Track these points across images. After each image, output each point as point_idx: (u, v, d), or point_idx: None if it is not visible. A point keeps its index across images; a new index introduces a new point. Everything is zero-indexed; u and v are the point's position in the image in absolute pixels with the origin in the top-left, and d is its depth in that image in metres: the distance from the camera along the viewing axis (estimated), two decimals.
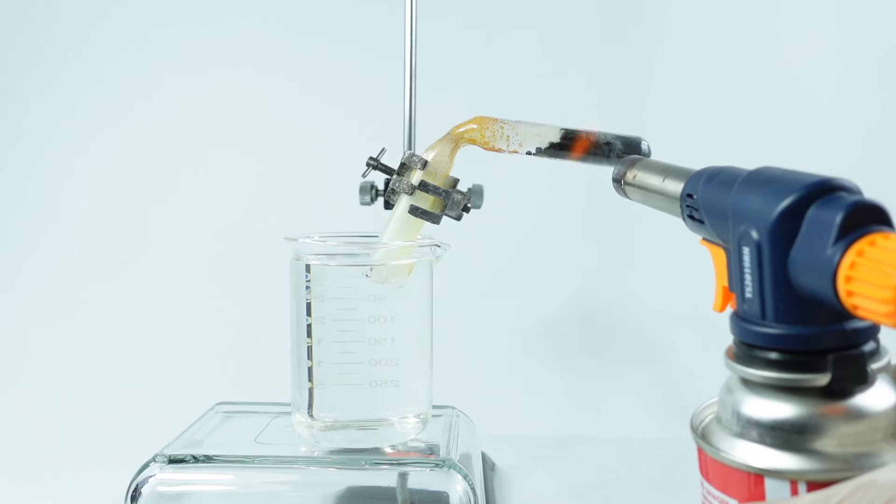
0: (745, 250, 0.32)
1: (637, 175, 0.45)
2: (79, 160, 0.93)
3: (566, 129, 0.51)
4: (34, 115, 0.94)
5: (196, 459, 0.50)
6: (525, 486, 0.64)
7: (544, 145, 0.51)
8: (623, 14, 0.90)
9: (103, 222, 0.92)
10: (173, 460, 0.50)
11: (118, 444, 0.67)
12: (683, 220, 0.39)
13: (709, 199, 0.36)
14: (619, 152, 0.50)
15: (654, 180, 0.43)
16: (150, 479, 0.50)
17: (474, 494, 0.49)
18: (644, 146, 0.51)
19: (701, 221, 0.37)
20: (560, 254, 0.89)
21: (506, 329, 0.86)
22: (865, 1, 0.88)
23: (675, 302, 0.85)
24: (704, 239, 0.38)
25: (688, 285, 0.85)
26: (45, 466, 0.66)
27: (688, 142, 0.80)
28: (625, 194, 0.47)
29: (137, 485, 0.50)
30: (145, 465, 0.50)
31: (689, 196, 0.38)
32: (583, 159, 0.51)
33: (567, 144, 0.51)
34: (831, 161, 0.76)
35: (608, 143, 0.50)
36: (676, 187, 0.40)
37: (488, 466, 0.64)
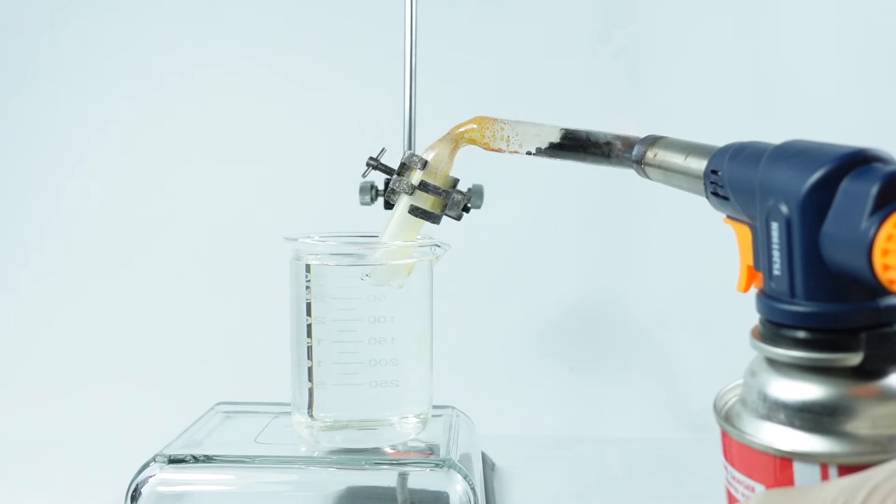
0: (774, 225, 0.30)
1: (658, 154, 0.43)
2: (78, 160, 0.93)
3: (566, 129, 0.51)
4: (33, 115, 0.94)
5: (196, 459, 0.50)
6: (525, 486, 0.63)
7: (544, 145, 0.51)
8: (623, 14, 0.90)
9: (103, 222, 0.92)
10: (173, 460, 0.50)
11: (118, 444, 0.67)
12: (707, 197, 0.38)
13: (735, 174, 0.35)
14: (619, 152, 0.50)
15: (676, 158, 0.41)
16: (150, 479, 0.50)
17: (474, 494, 0.49)
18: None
19: (726, 198, 0.36)
20: (560, 254, 0.89)
21: (506, 329, 0.86)
22: (866, 1, 0.88)
23: (676, 302, 0.85)
24: (728, 217, 0.36)
25: (688, 285, 0.86)
26: (45, 466, 0.66)
27: (688, 139, 0.79)
28: (645, 175, 0.45)
29: (137, 485, 0.50)
30: (145, 465, 0.50)
31: (714, 172, 0.37)
32: (583, 159, 0.51)
33: (567, 144, 0.51)
34: None
35: (608, 143, 0.50)
36: (699, 164, 0.38)
37: (488, 466, 0.64)
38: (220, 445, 0.54)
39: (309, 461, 0.51)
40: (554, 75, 0.90)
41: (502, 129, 0.51)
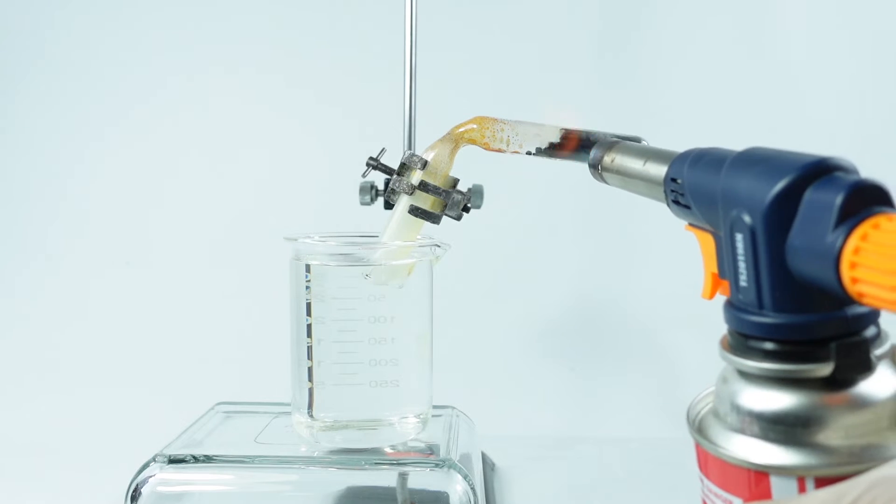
0: (739, 236, 0.30)
1: (615, 159, 0.43)
2: (79, 161, 0.94)
3: (566, 129, 0.51)
4: (35, 116, 0.94)
5: (196, 459, 0.50)
6: (525, 486, 0.63)
7: (544, 145, 0.51)
8: (623, 14, 0.90)
9: (103, 223, 0.92)
10: (173, 460, 0.50)
11: (118, 444, 0.67)
12: (668, 205, 0.37)
13: (695, 182, 0.34)
14: (568, 148, 0.50)
15: (635, 164, 0.41)
16: (150, 479, 0.50)
17: (474, 494, 0.49)
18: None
19: (687, 206, 0.35)
20: (560, 254, 0.89)
21: (506, 329, 0.86)
22: (867, 0, 0.88)
23: (675, 302, 0.85)
24: (690, 224, 0.36)
25: (688, 285, 0.85)
26: (45, 466, 0.66)
27: (688, 142, 0.79)
28: (602, 179, 0.45)
29: (137, 485, 0.50)
30: (145, 465, 0.50)
31: (674, 181, 0.36)
32: (583, 159, 0.51)
33: (567, 144, 0.51)
34: None
35: (634, 143, 0.50)
36: (659, 171, 0.38)
37: (488, 466, 0.64)
38: (220, 445, 0.54)
39: (309, 461, 0.51)
40: (554, 75, 0.90)
41: (502, 129, 0.51)
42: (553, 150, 0.51)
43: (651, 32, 0.89)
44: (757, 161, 0.30)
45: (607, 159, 0.44)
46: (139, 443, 0.55)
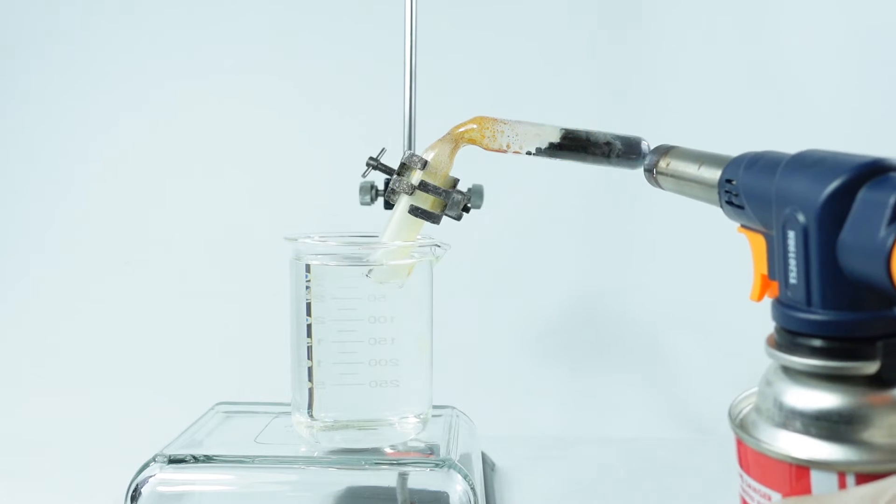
0: (791, 234, 0.31)
1: (671, 163, 0.43)
2: (79, 162, 0.94)
3: (566, 129, 0.51)
4: (34, 117, 0.94)
5: (196, 459, 0.50)
6: (525, 486, 0.63)
7: (544, 145, 0.51)
8: (623, 14, 0.90)
9: (103, 223, 0.92)
10: (173, 460, 0.50)
11: (118, 444, 0.67)
12: (721, 206, 0.38)
13: (750, 183, 0.35)
14: (619, 152, 0.50)
15: (690, 168, 0.41)
16: (150, 479, 0.50)
17: (474, 494, 0.49)
18: (644, 146, 0.51)
19: (741, 207, 0.36)
20: (560, 254, 0.89)
21: (506, 329, 0.86)
22: (866, 1, 0.88)
23: (675, 302, 0.85)
24: (742, 226, 0.36)
25: (688, 285, 0.86)
26: (45, 466, 0.66)
27: (688, 142, 0.80)
28: (657, 184, 0.45)
29: (137, 485, 0.50)
30: (145, 465, 0.50)
31: (729, 182, 0.37)
32: (583, 159, 0.51)
33: (567, 144, 0.51)
34: None
35: (608, 143, 0.50)
36: (713, 174, 0.38)
37: (488, 466, 0.64)
38: (220, 445, 0.54)
39: (309, 461, 0.51)
40: (554, 75, 0.90)
41: (502, 129, 0.51)
42: (553, 150, 0.51)
43: (650, 32, 0.89)
44: (812, 162, 0.31)
45: (662, 164, 0.44)
46: (139, 443, 0.55)
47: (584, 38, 0.90)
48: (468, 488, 0.49)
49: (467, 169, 0.53)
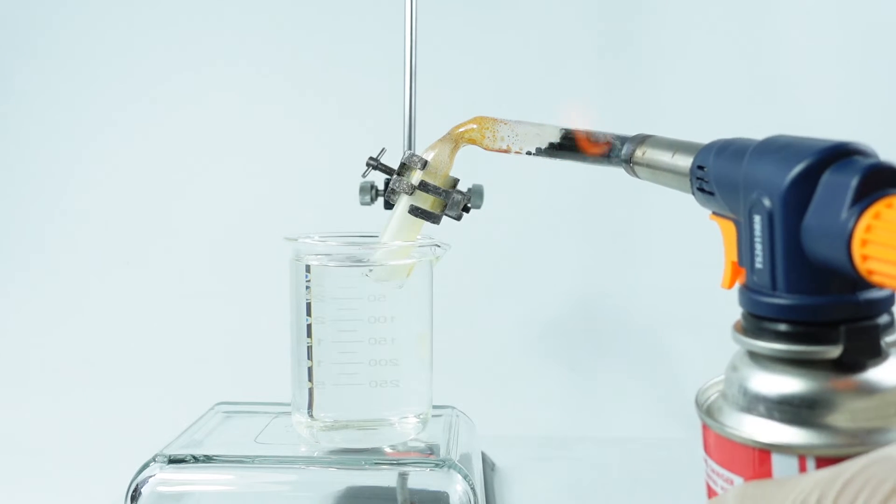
0: (756, 218, 0.31)
1: (647, 152, 0.44)
2: (78, 160, 0.94)
3: (566, 129, 0.50)
4: (34, 116, 0.94)
5: (196, 459, 0.50)
6: (525, 486, 0.63)
7: (544, 145, 0.51)
8: (623, 14, 0.90)
9: (103, 222, 0.92)
10: (173, 460, 0.50)
11: (118, 444, 0.67)
12: (693, 193, 0.38)
13: (720, 169, 0.35)
14: (619, 152, 0.50)
15: (664, 156, 0.41)
16: (150, 479, 0.50)
17: (474, 494, 0.49)
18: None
19: (711, 193, 0.36)
20: (560, 253, 0.89)
21: (506, 329, 0.86)
22: (866, 1, 0.88)
23: (676, 301, 0.85)
24: (714, 213, 0.37)
25: (689, 285, 0.86)
26: (45, 466, 0.66)
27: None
28: (634, 174, 0.45)
29: (137, 485, 0.50)
30: (145, 465, 0.50)
31: (700, 168, 0.37)
32: (582, 159, 0.51)
33: (567, 144, 0.51)
34: None
35: (608, 143, 0.50)
36: (686, 161, 0.38)
37: (488, 466, 0.64)
38: (220, 445, 0.54)
39: (309, 461, 0.51)
40: (554, 75, 0.90)
41: (502, 129, 0.51)
42: (553, 150, 0.51)
43: (651, 31, 0.89)
44: (778, 147, 0.31)
45: (639, 153, 0.44)
46: (139, 443, 0.55)
47: (585, 37, 0.90)
48: (468, 488, 0.49)
49: (467, 169, 0.53)
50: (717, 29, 0.89)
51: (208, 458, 0.51)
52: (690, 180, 0.38)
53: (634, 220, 0.88)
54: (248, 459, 0.51)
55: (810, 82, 0.88)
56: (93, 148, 0.93)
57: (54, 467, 0.66)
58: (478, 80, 0.90)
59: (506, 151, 0.51)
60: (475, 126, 0.51)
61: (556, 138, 0.51)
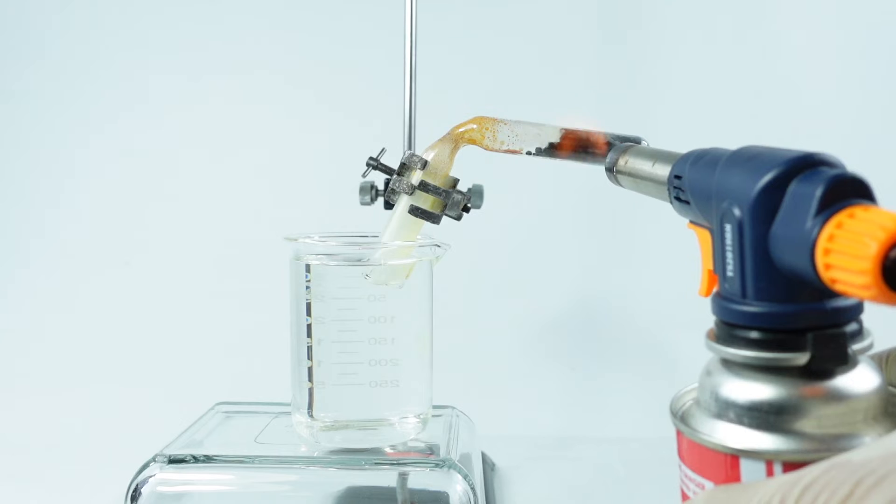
0: (727, 227, 0.31)
1: (628, 161, 0.45)
2: (78, 159, 0.94)
3: (566, 129, 0.51)
4: (33, 114, 0.94)
5: (196, 459, 0.50)
6: (525, 486, 0.63)
7: (544, 145, 0.51)
8: (623, 14, 0.90)
9: (102, 221, 0.92)
10: (173, 460, 0.50)
11: (118, 444, 0.67)
12: (671, 202, 0.39)
13: (695, 178, 0.36)
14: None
15: (644, 165, 0.42)
16: (150, 479, 0.50)
17: (474, 494, 0.49)
18: (644, 146, 0.51)
19: (687, 202, 0.37)
20: (560, 254, 0.89)
21: (506, 329, 0.86)
22: (865, 2, 0.88)
23: (676, 302, 0.85)
24: (691, 222, 0.37)
25: (689, 285, 0.85)
26: (45, 466, 0.66)
27: (688, 142, 0.79)
28: (617, 182, 0.47)
29: (137, 485, 0.50)
30: (145, 465, 0.50)
31: (677, 178, 0.38)
32: (581, 159, 0.51)
33: (567, 145, 0.51)
34: None
35: (608, 143, 0.50)
36: (665, 171, 0.39)
37: (488, 466, 0.64)
38: (220, 445, 0.54)
39: (309, 461, 0.51)
40: (554, 75, 0.90)
41: (502, 129, 0.51)
42: (553, 150, 0.51)
43: (650, 32, 0.89)
44: (749, 157, 0.32)
45: (621, 162, 0.45)
46: (139, 443, 0.55)
47: (585, 38, 0.90)
48: (468, 488, 0.49)
49: (467, 169, 0.53)
50: (718, 29, 0.89)
51: (208, 458, 0.51)
52: (668, 189, 0.39)
53: (635, 220, 0.88)
54: (248, 459, 0.51)
55: (810, 82, 0.88)
56: (93, 148, 0.93)
57: (54, 467, 0.66)
58: (478, 80, 0.90)
59: (506, 152, 0.51)
60: (475, 126, 0.51)
61: (556, 138, 0.51)
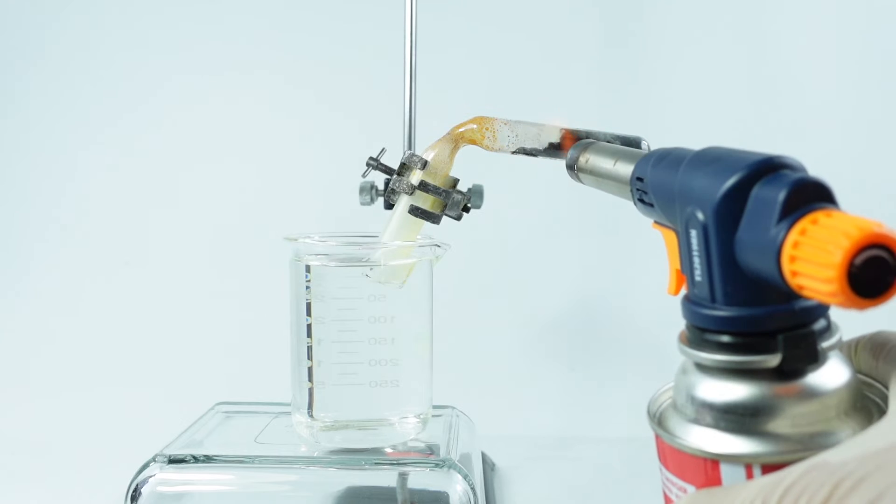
0: (693, 232, 0.31)
1: (589, 159, 0.44)
2: (79, 160, 0.94)
3: (566, 129, 0.51)
4: (34, 116, 0.94)
5: (196, 459, 0.50)
6: (525, 486, 0.63)
7: (544, 145, 0.51)
8: (623, 14, 0.90)
9: (103, 222, 0.92)
10: (173, 460, 0.50)
11: (118, 444, 0.67)
12: (634, 203, 0.39)
13: (657, 181, 0.35)
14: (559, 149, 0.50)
15: (606, 164, 0.42)
16: (150, 479, 0.50)
17: (474, 494, 0.49)
18: (644, 146, 0.51)
19: (651, 205, 0.36)
20: (560, 254, 0.89)
21: (506, 329, 0.86)
22: (865, 2, 0.88)
23: (676, 302, 0.85)
24: (656, 222, 0.37)
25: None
26: (45, 466, 0.66)
27: (689, 142, 0.79)
28: (578, 179, 0.46)
29: (137, 485, 0.50)
30: (145, 465, 0.50)
31: (639, 179, 0.37)
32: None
33: (567, 145, 0.51)
34: (832, 160, 0.76)
35: (608, 143, 0.50)
36: (627, 170, 0.39)
37: (488, 466, 0.64)
38: (220, 445, 0.54)
39: (309, 461, 0.51)
40: (554, 75, 0.90)
41: (502, 129, 0.51)
42: (553, 150, 0.51)
43: (651, 31, 0.89)
44: (710, 160, 0.32)
45: (582, 160, 0.45)
46: (139, 443, 0.55)
47: (585, 37, 0.90)
48: (468, 488, 0.49)
49: (467, 169, 0.53)
50: (718, 29, 0.89)
51: (208, 458, 0.51)
52: (631, 190, 0.39)
53: (634, 220, 0.87)
54: (248, 459, 0.51)
55: (810, 82, 0.88)
56: (94, 148, 0.93)
57: (54, 467, 0.66)
58: (478, 79, 0.90)
59: (506, 151, 0.51)
60: (475, 126, 0.51)
61: (556, 138, 0.51)
